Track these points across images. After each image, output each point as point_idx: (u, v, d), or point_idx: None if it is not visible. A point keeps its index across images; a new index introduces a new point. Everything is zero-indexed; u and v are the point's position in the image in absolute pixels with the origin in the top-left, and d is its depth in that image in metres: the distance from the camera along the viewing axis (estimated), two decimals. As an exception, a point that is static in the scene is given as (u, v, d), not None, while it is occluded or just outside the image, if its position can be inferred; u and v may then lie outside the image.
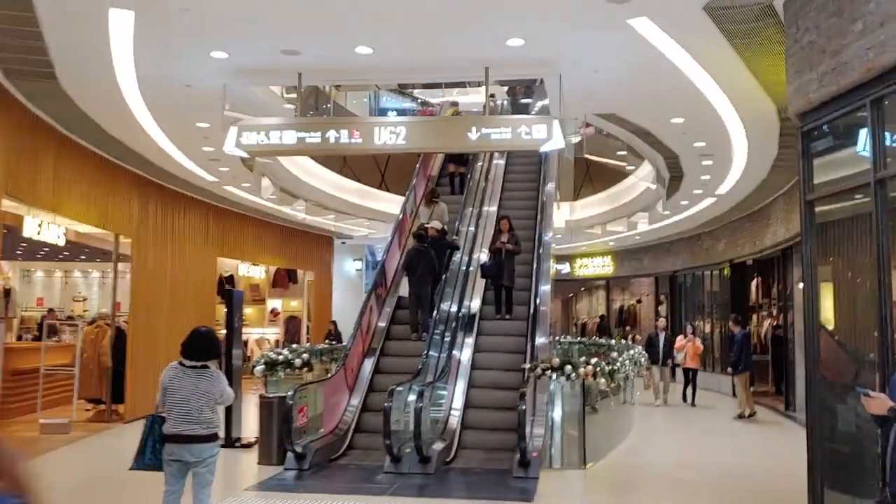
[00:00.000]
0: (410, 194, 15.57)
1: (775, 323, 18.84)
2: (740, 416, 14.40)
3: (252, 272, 21.08)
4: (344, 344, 12.99)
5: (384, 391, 10.59)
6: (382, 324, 12.77)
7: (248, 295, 23.00)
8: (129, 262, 13.98)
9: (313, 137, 8.10)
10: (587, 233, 22.61)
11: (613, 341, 17.35)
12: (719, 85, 8.48)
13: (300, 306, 23.82)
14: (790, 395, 16.11)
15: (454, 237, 13.91)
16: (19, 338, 18.88)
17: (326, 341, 16.80)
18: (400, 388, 9.46)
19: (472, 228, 14.34)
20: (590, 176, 20.15)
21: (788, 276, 16.59)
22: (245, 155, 8.27)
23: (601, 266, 28.43)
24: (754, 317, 19.38)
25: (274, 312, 23.60)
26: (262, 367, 10.54)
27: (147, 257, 14.32)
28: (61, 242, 11.68)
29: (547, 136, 7.76)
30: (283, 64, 8.05)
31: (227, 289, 14.28)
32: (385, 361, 12.02)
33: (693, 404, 16.39)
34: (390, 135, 7.99)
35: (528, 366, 9.85)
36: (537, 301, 11.74)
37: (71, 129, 10.93)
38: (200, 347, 6.06)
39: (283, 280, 23.48)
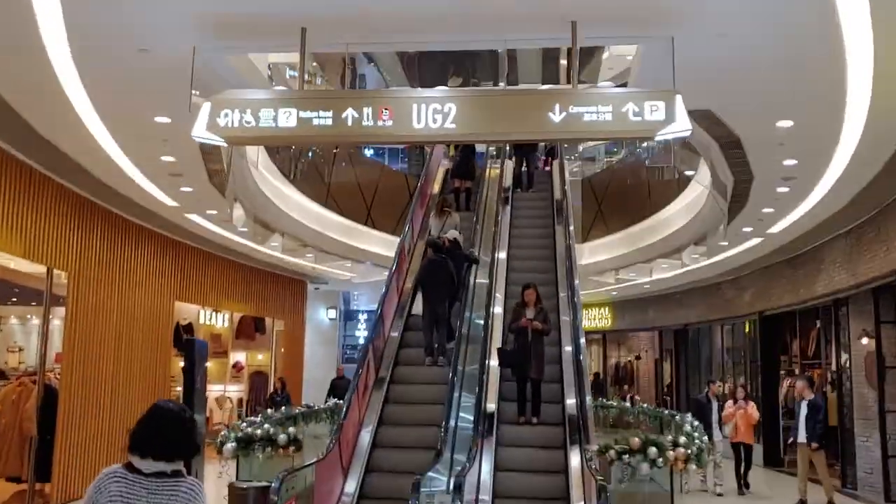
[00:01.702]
0: (408, 228, 13.08)
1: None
2: None
3: (214, 320, 18.28)
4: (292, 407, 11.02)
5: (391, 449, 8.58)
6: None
7: (210, 346, 20.24)
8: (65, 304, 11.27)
9: (323, 118, 5.56)
10: (592, 280, 20.25)
11: (629, 403, 14.73)
12: (877, 59, 6.14)
13: (267, 359, 20.99)
14: (847, 470, 13.75)
15: (472, 250, 11.91)
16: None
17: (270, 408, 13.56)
18: (425, 477, 6.86)
19: (482, 281, 11.75)
20: (602, 215, 17.89)
21: (841, 330, 14.32)
22: (221, 142, 5.72)
23: (598, 318, 26.03)
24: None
25: (237, 367, 20.70)
26: (234, 444, 7.82)
27: (88, 298, 11.59)
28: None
29: (666, 117, 5.35)
30: (278, 10, 5.58)
31: (186, 338, 11.55)
32: (395, 390, 9.90)
33: (746, 486, 13.35)
34: (434, 115, 5.50)
35: (593, 448, 7.30)
36: (580, 357, 9.31)
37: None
38: (171, 440, 3.29)
39: (249, 329, 20.64)
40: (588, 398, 8.60)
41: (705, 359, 21.79)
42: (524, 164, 15.33)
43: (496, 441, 8.70)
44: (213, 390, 19.53)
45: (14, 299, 15.77)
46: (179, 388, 16.47)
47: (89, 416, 11.56)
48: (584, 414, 8.30)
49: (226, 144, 6.00)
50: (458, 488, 6.45)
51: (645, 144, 17.60)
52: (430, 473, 7.24)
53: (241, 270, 17.59)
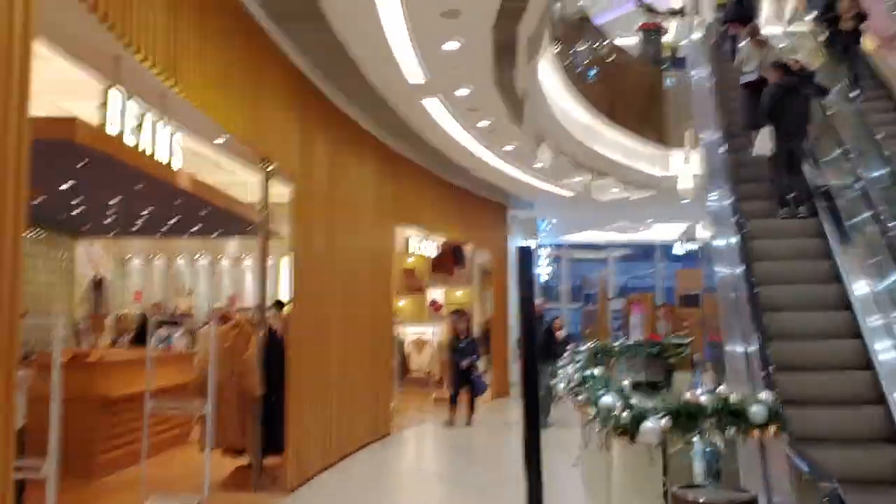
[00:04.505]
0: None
1: None
2: None
3: (423, 249, 15.31)
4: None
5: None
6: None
7: (403, 282, 17.43)
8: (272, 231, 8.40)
9: None
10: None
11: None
12: None
13: (466, 297, 18.00)
14: None
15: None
16: (113, 343, 13.81)
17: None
18: None
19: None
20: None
21: None
22: None
23: None
24: None
25: (434, 305, 17.88)
26: (666, 419, 4.50)
27: (311, 216, 8.66)
28: (177, 161, 6.20)
29: None
30: None
31: (518, 247, 8.68)
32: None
33: None
34: None
35: None
36: None
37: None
38: None
39: (448, 263, 17.65)
40: None
41: None
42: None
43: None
44: (411, 331, 16.88)
45: (220, 229, 13.40)
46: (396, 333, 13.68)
47: (321, 367, 8.77)
48: None
49: None
50: None
51: None
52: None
53: (443, 189, 14.22)
